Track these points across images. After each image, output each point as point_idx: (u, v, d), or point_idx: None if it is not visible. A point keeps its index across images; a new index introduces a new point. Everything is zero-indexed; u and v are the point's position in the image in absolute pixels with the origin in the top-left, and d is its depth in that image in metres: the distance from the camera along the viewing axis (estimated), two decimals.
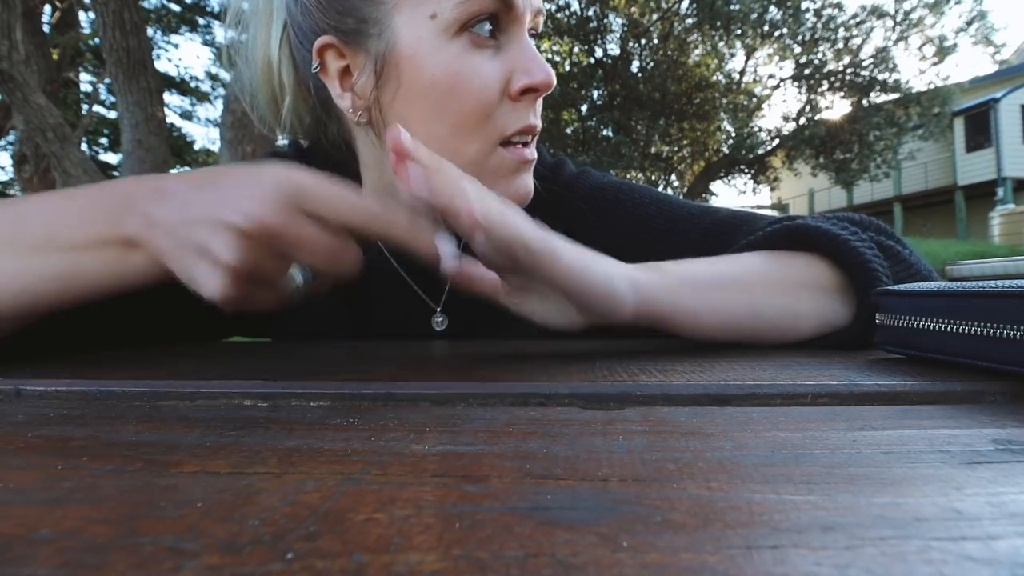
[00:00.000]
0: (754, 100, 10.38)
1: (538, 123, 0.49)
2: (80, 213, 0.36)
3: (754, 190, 11.69)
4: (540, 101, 0.50)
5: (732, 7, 8.85)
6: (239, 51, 0.54)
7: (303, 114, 0.53)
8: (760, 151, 10.56)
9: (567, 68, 10.14)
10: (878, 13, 9.59)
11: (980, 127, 13.12)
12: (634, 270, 0.38)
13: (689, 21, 9.62)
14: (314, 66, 0.48)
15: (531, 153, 0.49)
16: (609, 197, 0.58)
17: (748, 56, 10.21)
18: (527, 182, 0.50)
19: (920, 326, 0.32)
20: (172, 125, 11.17)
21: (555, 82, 0.47)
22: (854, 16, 9.53)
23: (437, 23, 0.44)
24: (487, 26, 0.45)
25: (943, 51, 9.85)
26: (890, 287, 0.37)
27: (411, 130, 0.47)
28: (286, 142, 0.60)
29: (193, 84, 11.75)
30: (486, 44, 0.45)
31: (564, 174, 0.60)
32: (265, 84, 0.52)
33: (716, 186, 11.64)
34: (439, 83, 0.45)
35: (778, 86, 10.55)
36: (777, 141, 10.49)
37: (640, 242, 0.55)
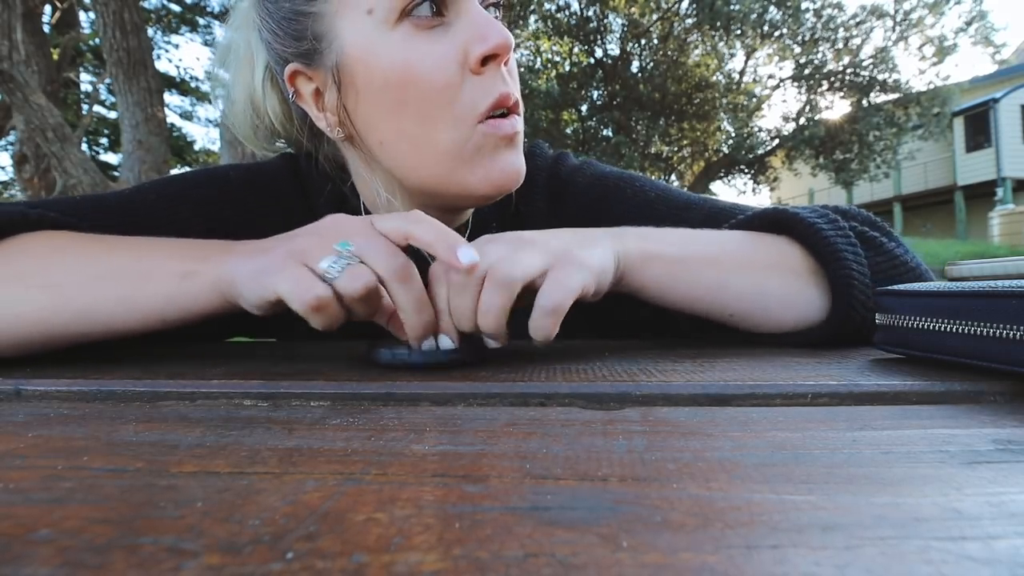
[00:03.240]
0: (754, 100, 10.38)
1: (512, 90, 0.45)
2: (167, 251, 0.40)
3: (754, 190, 11.69)
4: (512, 68, 0.46)
5: (732, 7, 8.86)
6: (225, 90, 0.55)
7: (300, 139, 0.54)
8: (760, 151, 10.57)
9: (567, 68, 10.15)
10: (878, 13, 9.59)
11: (980, 127, 13.12)
12: (609, 239, 0.40)
13: (689, 21, 9.62)
14: (290, 95, 0.49)
15: (511, 125, 0.45)
16: (610, 186, 0.58)
17: (748, 56, 10.22)
18: (514, 160, 0.46)
19: (920, 326, 0.32)
20: (172, 125, 11.15)
21: (512, 43, 0.43)
22: (854, 16, 9.54)
23: (376, 17, 0.43)
24: (426, 6, 0.43)
25: (943, 51, 9.85)
26: (890, 288, 0.37)
27: (380, 131, 0.47)
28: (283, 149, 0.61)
29: (193, 84, 11.74)
30: (432, 24, 0.43)
31: (566, 166, 0.60)
32: (245, 121, 0.54)
33: (716, 186, 11.66)
34: (392, 77, 0.44)
35: (778, 86, 10.56)
36: (777, 141, 10.49)
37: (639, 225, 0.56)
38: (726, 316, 0.43)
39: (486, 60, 0.43)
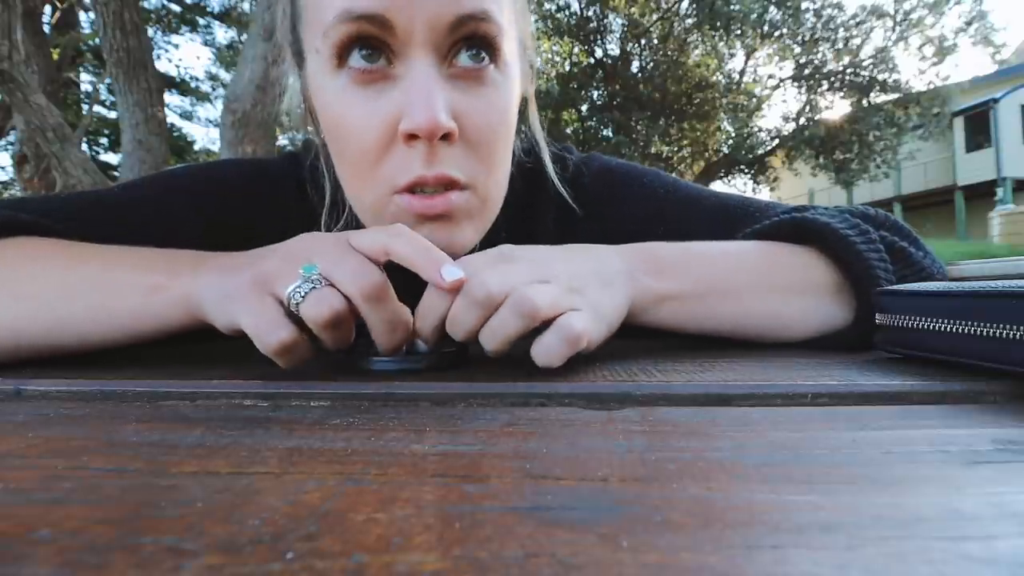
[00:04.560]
0: (754, 100, 10.39)
1: (437, 174, 0.39)
2: (138, 261, 0.39)
3: (754, 190, 11.67)
4: (456, 146, 0.39)
5: (732, 7, 8.86)
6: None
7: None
8: (760, 151, 10.57)
9: (567, 68, 10.15)
10: (878, 13, 9.60)
11: (980, 127, 13.13)
12: (625, 278, 0.38)
13: (689, 21, 9.63)
14: (301, 90, 0.48)
15: (432, 206, 0.39)
16: (617, 179, 0.57)
17: (748, 56, 10.22)
18: (442, 237, 0.40)
19: (920, 326, 0.32)
20: (172, 125, 11.15)
21: (442, 128, 0.37)
22: (854, 16, 9.54)
23: (321, 57, 0.40)
24: (362, 54, 0.38)
25: (943, 51, 9.86)
26: (890, 287, 0.37)
27: (335, 164, 0.45)
28: (286, 143, 0.60)
29: (193, 84, 11.74)
30: (372, 77, 0.39)
31: (570, 160, 0.59)
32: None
33: (716, 186, 11.64)
34: (330, 124, 0.41)
35: (778, 86, 10.56)
36: (777, 141, 10.50)
37: (647, 224, 0.54)
38: (739, 338, 0.43)
39: (413, 135, 0.38)
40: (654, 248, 0.41)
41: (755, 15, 9.01)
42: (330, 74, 0.40)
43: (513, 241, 0.37)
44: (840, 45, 9.68)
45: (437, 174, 0.39)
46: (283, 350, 0.31)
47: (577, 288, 0.34)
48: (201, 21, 9.90)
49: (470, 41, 0.39)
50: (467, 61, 0.39)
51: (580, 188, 0.57)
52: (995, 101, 12.68)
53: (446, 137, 0.38)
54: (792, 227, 0.44)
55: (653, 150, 10.33)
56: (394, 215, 0.41)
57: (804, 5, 9.27)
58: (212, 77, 11.81)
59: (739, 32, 9.41)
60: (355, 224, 0.50)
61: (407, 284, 0.34)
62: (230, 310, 0.32)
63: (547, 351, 0.31)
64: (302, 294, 0.31)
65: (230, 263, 0.35)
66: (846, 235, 0.41)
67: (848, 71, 9.80)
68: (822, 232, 0.42)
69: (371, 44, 0.38)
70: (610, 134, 10.21)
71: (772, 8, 9.15)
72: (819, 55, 9.87)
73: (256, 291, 0.32)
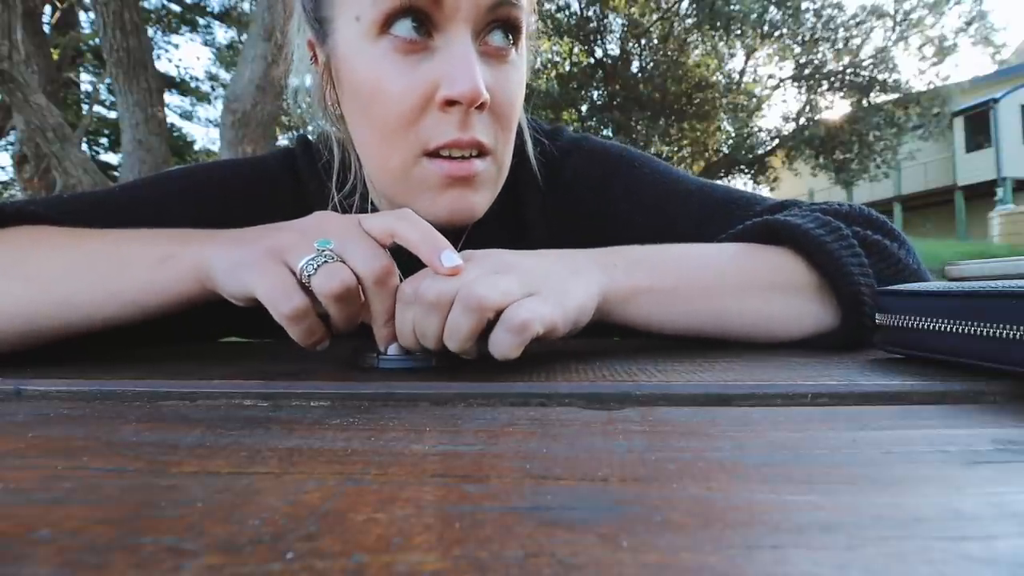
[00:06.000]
0: (754, 100, 10.39)
1: (471, 137, 0.42)
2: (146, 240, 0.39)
3: (754, 190, 11.69)
4: (505, 112, 0.44)
5: (732, 7, 8.87)
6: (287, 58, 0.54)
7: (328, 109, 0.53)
8: (760, 151, 10.58)
9: (567, 68, 10.15)
10: (878, 13, 9.60)
11: (980, 127, 13.14)
12: (596, 269, 0.38)
13: (689, 21, 9.63)
14: (309, 57, 0.49)
15: (461, 168, 0.43)
16: (612, 161, 0.57)
17: (748, 56, 10.22)
18: (463, 199, 0.44)
19: (920, 326, 0.32)
20: (172, 125, 11.14)
21: (482, 97, 0.40)
22: (854, 16, 9.55)
23: (361, 25, 0.42)
24: (408, 25, 0.41)
25: (943, 51, 9.86)
26: (890, 287, 0.37)
27: (355, 132, 0.47)
28: (285, 141, 0.60)
29: (193, 84, 11.74)
30: (413, 48, 0.42)
31: (562, 139, 0.59)
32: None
33: None
34: (364, 88, 0.43)
35: (778, 86, 10.56)
36: (777, 141, 10.51)
37: (634, 211, 0.55)
38: (724, 338, 0.43)
39: (452, 102, 0.41)
40: (625, 247, 0.42)
41: (755, 15, 9.01)
42: (370, 41, 0.42)
43: (503, 214, 0.38)
44: (840, 45, 9.69)
45: (471, 138, 0.43)
46: (297, 316, 0.32)
47: (538, 278, 0.34)
48: (201, 21, 9.91)
49: (501, 23, 0.43)
50: (499, 41, 0.44)
51: (563, 170, 0.57)
52: (995, 101, 12.69)
53: (480, 106, 0.42)
54: (764, 229, 0.45)
55: (653, 150, 10.33)
56: (422, 176, 0.44)
57: (804, 5, 9.28)
58: (212, 77, 11.81)
59: (739, 32, 9.42)
60: (364, 193, 0.53)
61: (405, 275, 0.35)
62: (243, 277, 0.33)
63: (494, 344, 0.31)
64: (315, 266, 0.32)
65: (242, 235, 0.37)
66: (817, 235, 0.41)
67: (848, 71, 9.81)
68: (792, 233, 0.42)
69: (417, 16, 0.41)
70: (610, 134, 10.21)
71: (772, 8, 9.16)
72: (819, 55, 9.87)
73: (269, 259, 0.33)
